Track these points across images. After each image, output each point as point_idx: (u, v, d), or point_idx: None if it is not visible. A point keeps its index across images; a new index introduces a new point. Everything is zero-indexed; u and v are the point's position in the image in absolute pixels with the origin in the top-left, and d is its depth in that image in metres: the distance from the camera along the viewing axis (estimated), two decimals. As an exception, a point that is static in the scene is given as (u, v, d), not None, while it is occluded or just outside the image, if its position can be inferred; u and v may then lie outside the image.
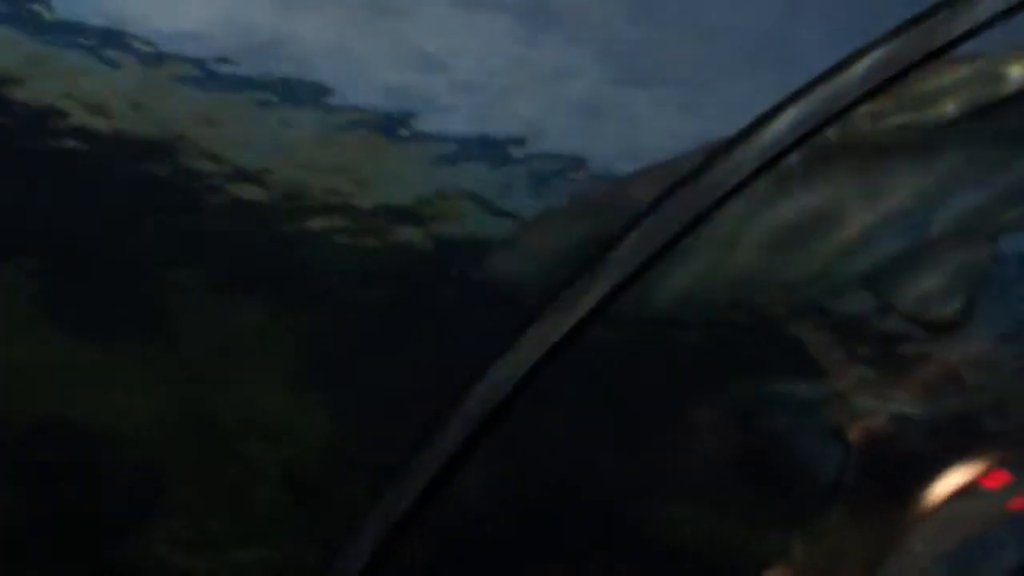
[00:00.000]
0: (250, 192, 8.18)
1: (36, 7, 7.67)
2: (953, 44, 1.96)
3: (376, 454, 7.72)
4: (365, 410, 7.09)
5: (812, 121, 2.13)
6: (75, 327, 7.22)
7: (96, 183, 8.38)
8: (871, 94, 2.05)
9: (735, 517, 6.53)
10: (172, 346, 7.39)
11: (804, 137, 2.10)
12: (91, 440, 6.86)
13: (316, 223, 8.32)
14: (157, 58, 7.65)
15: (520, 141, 8.05)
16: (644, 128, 8.07)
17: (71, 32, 7.81)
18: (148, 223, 8.21)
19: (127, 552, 6.59)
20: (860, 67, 2.02)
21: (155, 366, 7.24)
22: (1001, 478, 4.57)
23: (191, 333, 7.41)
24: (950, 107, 4.21)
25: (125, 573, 6.53)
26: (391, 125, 8.07)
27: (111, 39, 7.78)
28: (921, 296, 4.60)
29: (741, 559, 6.81)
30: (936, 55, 1.96)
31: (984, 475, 4.55)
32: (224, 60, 7.84)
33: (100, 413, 6.94)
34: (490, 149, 8.01)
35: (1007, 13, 1.92)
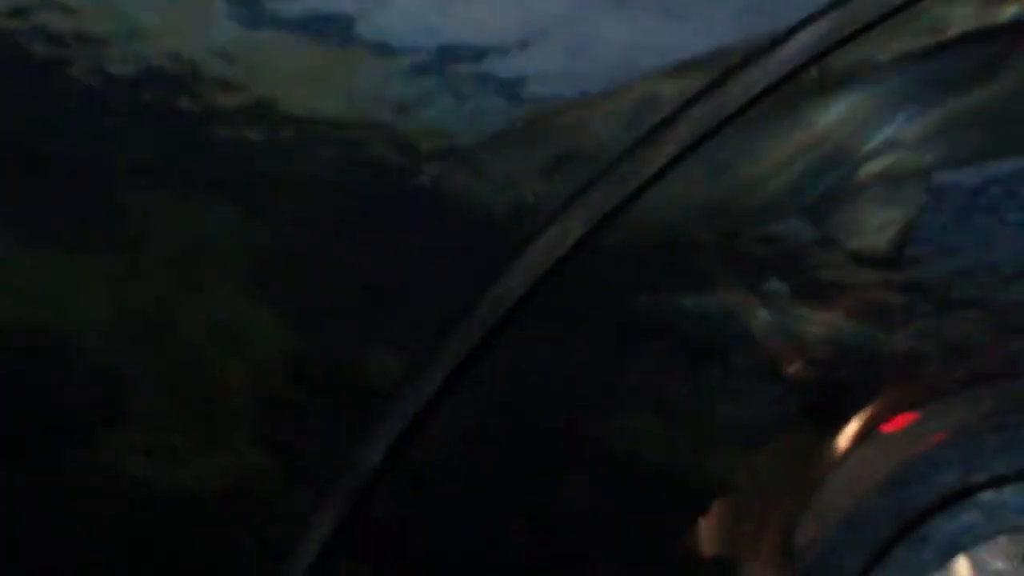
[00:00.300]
0: (217, 97, 7.97)
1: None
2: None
3: (340, 372, 7.75)
4: (327, 325, 7.03)
5: (826, 42, 2.17)
6: (30, 232, 7.08)
7: (53, 82, 8.15)
8: (885, 17, 2.07)
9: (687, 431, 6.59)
10: (132, 252, 7.27)
11: (815, 58, 2.13)
12: (47, 347, 6.81)
13: (283, 131, 8.10)
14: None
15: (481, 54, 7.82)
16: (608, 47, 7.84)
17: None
18: (108, 125, 7.99)
19: (83, 461, 6.60)
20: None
21: (114, 271, 7.13)
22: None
23: (152, 238, 7.30)
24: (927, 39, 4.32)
25: (81, 482, 6.55)
26: (345, 32, 7.82)
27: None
28: (856, 228, 4.85)
29: (694, 475, 6.90)
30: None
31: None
32: None
33: (56, 319, 6.86)
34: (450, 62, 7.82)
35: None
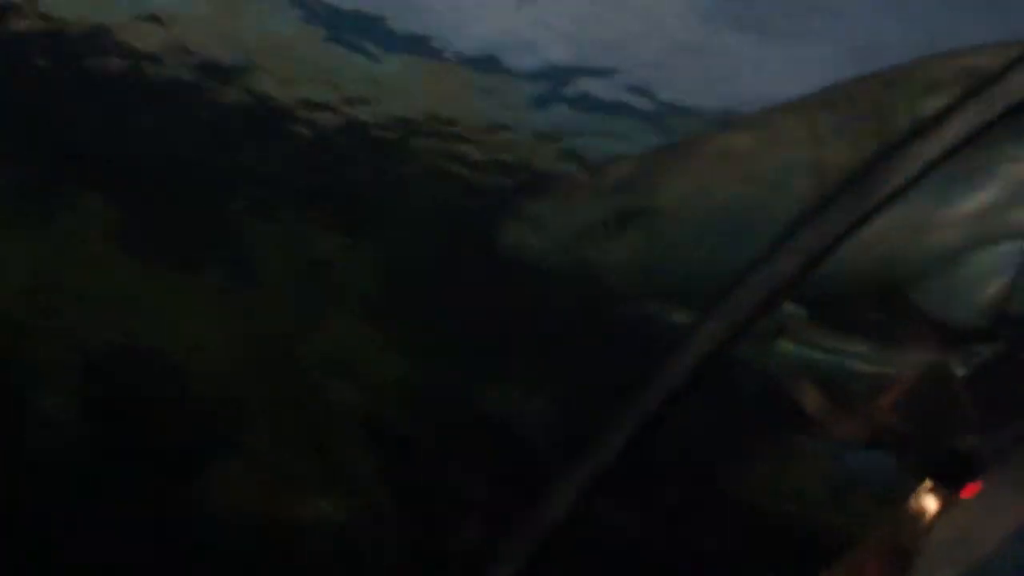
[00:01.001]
0: (331, 122, 7.92)
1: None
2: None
3: (452, 402, 7.65)
4: (443, 356, 6.93)
5: (987, 114, 1.91)
6: (152, 256, 7.06)
7: (173, 111, 8.15)
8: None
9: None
10: (249, 276, 7.22)
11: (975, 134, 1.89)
12: (165, 372, 6.76)
13: (398, 158, 8.07)
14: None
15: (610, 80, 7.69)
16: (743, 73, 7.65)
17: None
18: (229, 151, 7.99)
19: (198, 489, 6.55)
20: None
21: (230, 296, 7.08)
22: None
23: (270, 264, 7.24)
24: None
25: (195, 510, 6.50)
26: (479, 62, 7.73)
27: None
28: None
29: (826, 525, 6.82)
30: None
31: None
32: None
33: (175, 344, 6.82)
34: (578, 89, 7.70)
35: None
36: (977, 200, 4.00)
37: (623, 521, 6.16)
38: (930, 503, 5.13)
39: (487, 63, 7.46)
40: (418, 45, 7.47)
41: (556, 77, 7.43)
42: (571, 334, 6.76)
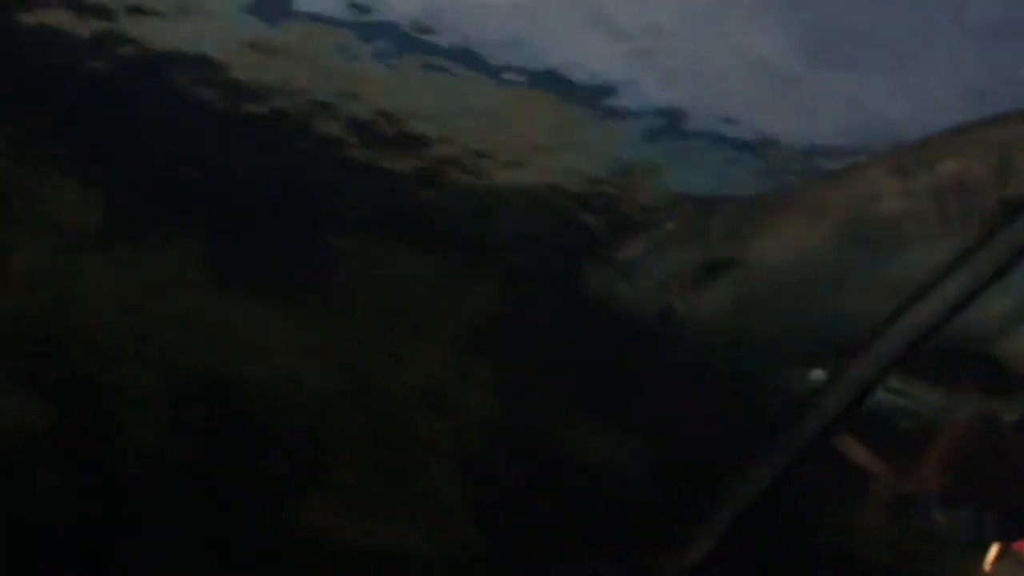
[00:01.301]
0: (425, 155, 7.93)
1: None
2: None
3: (541, 440, 7.62)
4: (534, 394, 6.89)
5: None
6: (244, 286, 7.08)
7: (267, 142, 8.19)
8: None
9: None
10: (341, 306, 7.21)
11: None
12: (254, 400, 6.77)
13: (495, 190, 8.03)
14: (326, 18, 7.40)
15: (707, 118, 7.64)
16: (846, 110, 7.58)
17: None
18: (321, 183, 8.01)
19: (284, 518, 6.55)
20: None
21: (321, 325, 7.08)
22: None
23: (362, 294, 7.23)
24: None
25: (281, 539, 6.50)
26: (579, 95, 7.71)
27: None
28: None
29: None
30: None
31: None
32: (404, 23, 7.53)
33: (264, 373, 6.83)
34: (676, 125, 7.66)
35: None
36: None
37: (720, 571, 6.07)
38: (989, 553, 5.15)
39: (590, 99, 7.45)
40: (520, 78, 7.47)
41: (657, 114, 7.40)
42: (665, 377, 6.71)
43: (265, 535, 6.37)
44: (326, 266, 7.35)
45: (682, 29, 7.48)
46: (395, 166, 7.71)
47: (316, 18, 7.60)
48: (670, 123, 7.38)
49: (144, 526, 6.20)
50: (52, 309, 6.77)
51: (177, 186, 7.81)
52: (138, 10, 7.74)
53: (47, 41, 8.18)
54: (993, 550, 5.75)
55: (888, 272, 3.95)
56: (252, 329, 6.83)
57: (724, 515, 2.30)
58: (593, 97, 7.40)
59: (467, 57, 7.40)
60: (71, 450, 6.44)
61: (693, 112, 7.32)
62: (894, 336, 2.19)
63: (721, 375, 6.32)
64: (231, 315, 6.90)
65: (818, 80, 7.16)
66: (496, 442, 6.85)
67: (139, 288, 6.90)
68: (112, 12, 7.72)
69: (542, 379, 6.80)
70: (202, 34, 7.65)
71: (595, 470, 6.89)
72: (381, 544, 6.49)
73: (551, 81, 7.44)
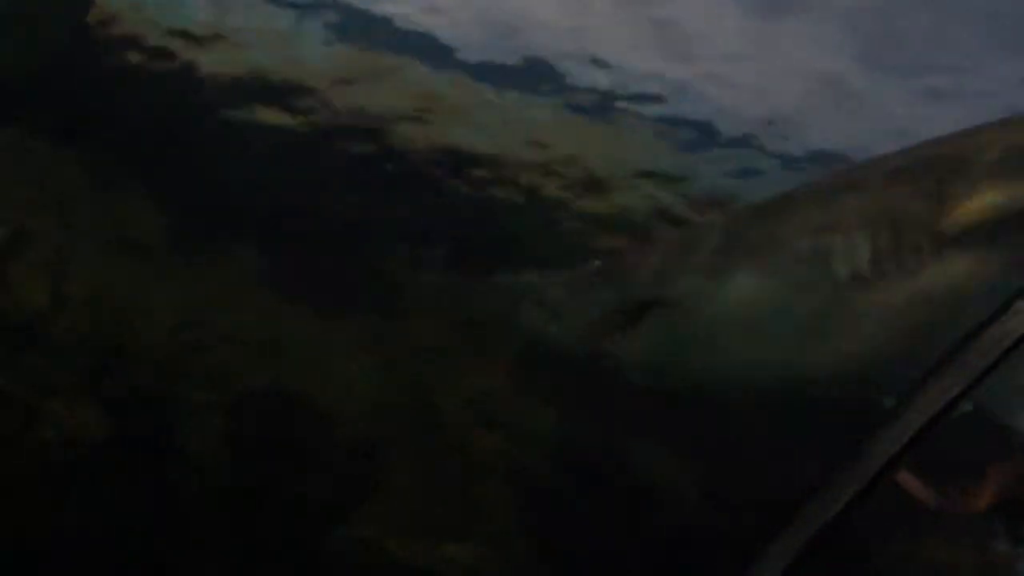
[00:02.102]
0: (485, 172, 7.93)
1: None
2: None
3: (599, 457, 7.50)
4: (594, 415, 6.77)
5: None
6: (304, 301, 7.10)
7: (330, 161, 8.27)
8: None
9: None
10: (401, 323, 7.19)
11: None
12: (309, 414, 6.75)
13: (554, 209, 8.00)
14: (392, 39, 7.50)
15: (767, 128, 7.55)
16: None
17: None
18: (381, 201, 8.04)
19: (338, 534, 6.51)
20: None
21: (382, 344, 7.06)
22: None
23: (422, 311, 7.20)
24: None
25: (334, 556, 6.46)
26: (635, 108, 7.70)
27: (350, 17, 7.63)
28: None
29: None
30: None
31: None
32: (461, 43, 7.58)
33: (321, 388, 6.81)
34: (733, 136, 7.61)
35: None
36: None
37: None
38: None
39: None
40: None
41: (702, 120, 7.34)
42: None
43: (318, 550, 6.34)
44: (385, 284, 7.33)
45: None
46: (455, 184, 7.73)
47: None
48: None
49: (199, 538, 6.20)
50: (115, 323, 6.84)
51: (238, 205, 7.89)
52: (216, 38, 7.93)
53: (125, 70, 8.39)
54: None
55: (817, 311, 3.78)
56: (309, 345, 6.82)
57: (789, 543, 2.20)
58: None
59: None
60: (130, 461, 6.48)
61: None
62: (966, 359, 2.10)
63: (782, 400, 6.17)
64: (290, 330, 6.91)
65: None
66: (555, 459, 6.75)
67: (200, 302, 6.94)
68: (190, 43, 7.92)
69: (602, 396, 6.69)
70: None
71: (655, 491, 6.75)
72: (435, 562, 6.41)
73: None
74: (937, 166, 3.82)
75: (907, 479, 6.05)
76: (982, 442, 6.06)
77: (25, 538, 5.89)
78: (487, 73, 7.66)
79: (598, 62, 7.58)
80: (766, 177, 7.78)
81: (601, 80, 7.54)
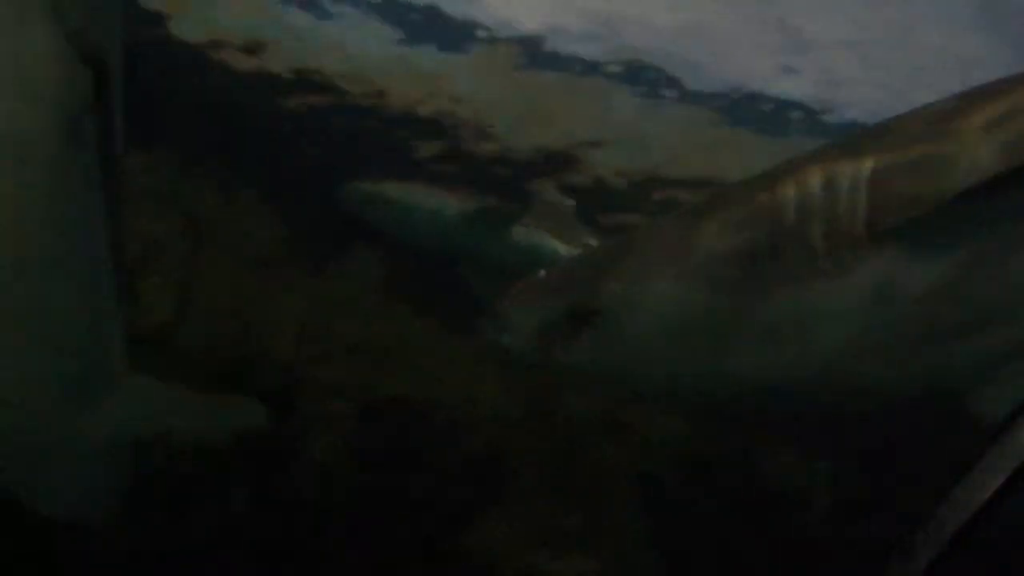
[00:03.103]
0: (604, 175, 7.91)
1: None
2: None
3: (729, 465, 7.37)
4: (721, 420, 6.63)
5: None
6: (428, 311, 7.12)
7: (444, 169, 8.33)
8: None
9: None
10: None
11: None
12: (435, 422, 6.74)
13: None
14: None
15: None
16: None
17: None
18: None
19: (463, 540, 6.48)
20: None
21: (504, 351, 7.01)
22: None
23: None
24: None
25: (458, 561, 6.42)
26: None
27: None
28: None
29: None
30: None
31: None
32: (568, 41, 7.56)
33: (446, 395, 6.81)
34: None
35: None
36: None
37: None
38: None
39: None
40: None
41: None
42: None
43: (443, 558, 6.31)
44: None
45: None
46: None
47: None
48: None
49: (322, 546, 6.23)
50: (241, 333, 6.92)
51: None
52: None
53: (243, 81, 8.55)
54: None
55: (753, 314, 3.65)
56: (433, 352, 6.81)
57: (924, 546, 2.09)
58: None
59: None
60: (255, 469, 6.55)
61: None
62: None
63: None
64: (412, 339, 6.92)
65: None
66: (682, 468, 6.63)
67: (319, 312, 6.99)
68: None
69: (729, 404, 6.54)
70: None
71: (786, 498, 6.60)
72: (560, 572, 6.34)
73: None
74: (863, 159, 3.68)
75: None
76: None
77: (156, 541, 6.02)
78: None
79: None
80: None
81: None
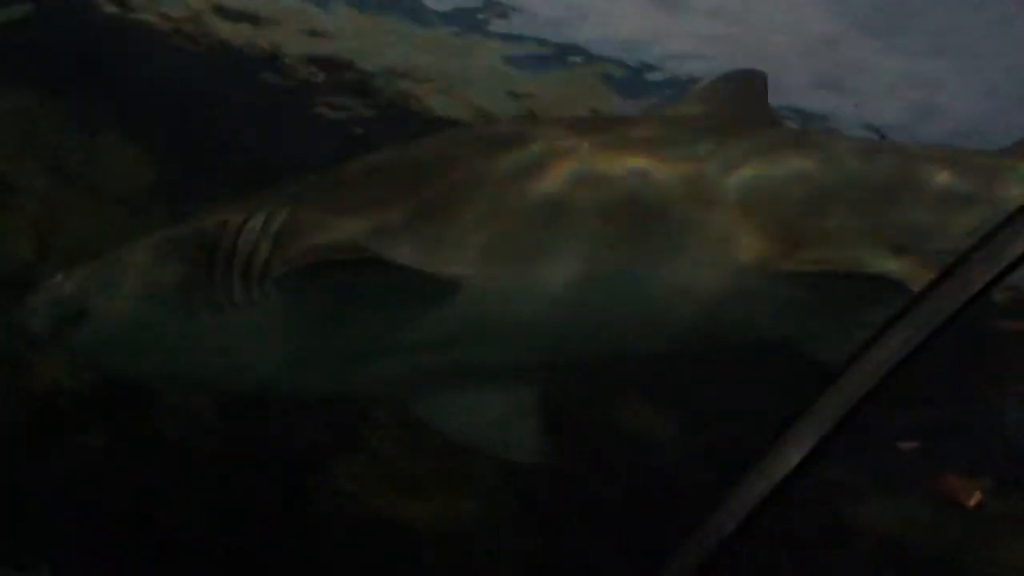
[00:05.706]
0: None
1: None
2: None
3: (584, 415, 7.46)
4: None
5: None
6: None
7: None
8: None
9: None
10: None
11: None
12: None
13: None
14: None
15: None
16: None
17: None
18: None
19: (321, 487, 6.51)
20: None
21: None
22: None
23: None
24: None
25: (316, 506, 6.48)
26: None
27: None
28: None
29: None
30: None
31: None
32: None
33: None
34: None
35: None
36: None
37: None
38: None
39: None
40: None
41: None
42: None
43: (299, 503, 6.37)
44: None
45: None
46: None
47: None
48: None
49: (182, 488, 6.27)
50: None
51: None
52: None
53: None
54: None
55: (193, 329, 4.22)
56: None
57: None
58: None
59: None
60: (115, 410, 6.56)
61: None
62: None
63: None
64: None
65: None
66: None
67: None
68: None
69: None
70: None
71: (634, 442, 6.79)
72: (410, 511, 6.41)
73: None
74: (281, 209, 4.19)
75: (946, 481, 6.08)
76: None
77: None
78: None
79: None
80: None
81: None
